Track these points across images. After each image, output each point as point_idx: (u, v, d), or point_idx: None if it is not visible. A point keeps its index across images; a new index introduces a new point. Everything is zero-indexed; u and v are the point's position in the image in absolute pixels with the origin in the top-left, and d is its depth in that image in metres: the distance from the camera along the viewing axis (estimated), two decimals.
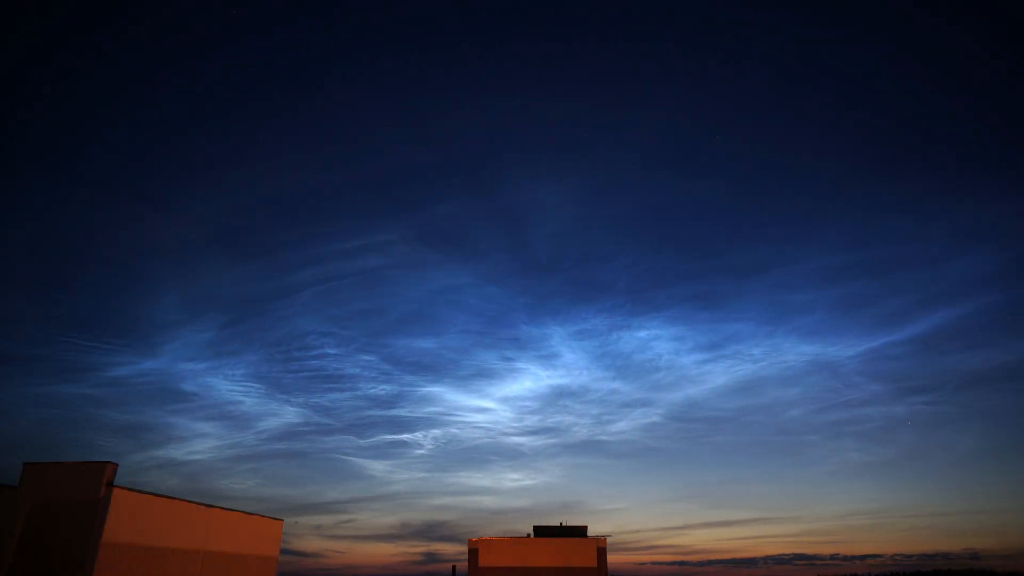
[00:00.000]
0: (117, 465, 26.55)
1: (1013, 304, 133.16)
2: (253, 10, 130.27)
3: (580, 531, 60.46)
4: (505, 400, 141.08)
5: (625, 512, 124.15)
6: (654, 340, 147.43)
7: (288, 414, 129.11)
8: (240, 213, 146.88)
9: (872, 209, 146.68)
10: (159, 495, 28.90)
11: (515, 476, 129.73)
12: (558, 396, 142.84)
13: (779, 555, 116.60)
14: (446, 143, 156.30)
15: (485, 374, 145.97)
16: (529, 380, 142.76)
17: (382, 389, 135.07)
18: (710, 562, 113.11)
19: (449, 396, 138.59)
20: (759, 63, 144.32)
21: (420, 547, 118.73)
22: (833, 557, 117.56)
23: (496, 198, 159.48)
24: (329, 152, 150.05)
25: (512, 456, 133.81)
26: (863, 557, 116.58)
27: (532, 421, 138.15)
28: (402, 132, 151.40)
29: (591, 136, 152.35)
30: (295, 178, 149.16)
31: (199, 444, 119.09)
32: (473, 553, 55.96)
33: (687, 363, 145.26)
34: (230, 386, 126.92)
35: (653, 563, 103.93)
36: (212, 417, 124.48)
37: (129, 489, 26.80)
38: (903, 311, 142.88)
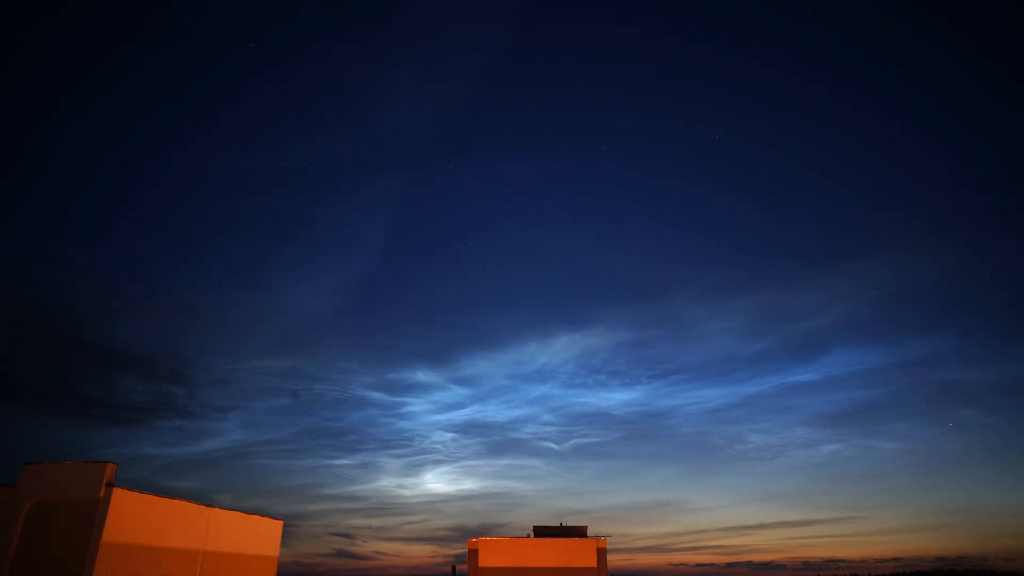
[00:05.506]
0: (117, 465, 26.54)
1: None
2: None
3: (580, 531, 60.43)
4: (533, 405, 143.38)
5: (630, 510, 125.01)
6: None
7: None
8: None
9: None
10: (159, 495, 28.90)
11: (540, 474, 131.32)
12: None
13: (813, 559, 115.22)
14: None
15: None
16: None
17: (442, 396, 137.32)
18: (735, 564, 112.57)
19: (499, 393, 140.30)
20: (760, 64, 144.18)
21: (459, 549, 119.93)
22: (863, 561, 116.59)
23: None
24: None
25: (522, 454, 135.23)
26: (886, 560, 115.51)
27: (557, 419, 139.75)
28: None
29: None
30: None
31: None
32: (473, 553, 55.93)
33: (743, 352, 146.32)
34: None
35: (672, 564, 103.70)
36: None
37: (129, 489, 26.80)
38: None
